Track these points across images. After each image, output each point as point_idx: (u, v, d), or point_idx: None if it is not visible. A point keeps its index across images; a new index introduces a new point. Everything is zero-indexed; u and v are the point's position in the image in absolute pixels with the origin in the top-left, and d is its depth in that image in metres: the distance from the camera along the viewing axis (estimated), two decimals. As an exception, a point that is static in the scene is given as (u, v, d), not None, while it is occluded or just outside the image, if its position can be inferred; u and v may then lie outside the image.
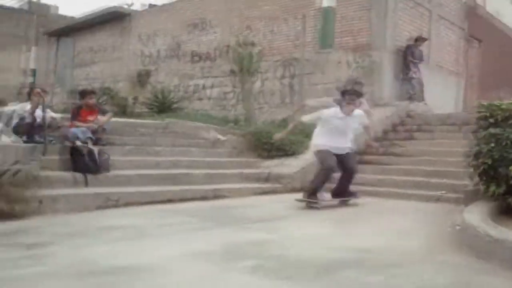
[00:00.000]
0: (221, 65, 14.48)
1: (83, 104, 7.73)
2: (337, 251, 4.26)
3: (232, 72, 13.08)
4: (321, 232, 5.19)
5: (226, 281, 3.37)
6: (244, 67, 11.79)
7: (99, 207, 6.12)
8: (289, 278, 3.42)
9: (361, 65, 11.69)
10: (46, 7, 33.97)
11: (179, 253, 4.07)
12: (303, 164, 8.58)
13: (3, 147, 5.63)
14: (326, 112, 6.96)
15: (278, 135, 7.78)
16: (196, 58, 15.54)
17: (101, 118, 7.60)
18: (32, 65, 22.15)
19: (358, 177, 8.63)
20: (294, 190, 7.99)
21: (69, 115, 7.81)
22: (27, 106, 7.42)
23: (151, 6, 19.67)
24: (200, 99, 15.04)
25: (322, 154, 6.88)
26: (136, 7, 20.68)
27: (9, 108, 7.72)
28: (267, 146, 9.15)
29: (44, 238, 4.53)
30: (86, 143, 6.95)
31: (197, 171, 7.55)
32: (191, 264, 3.78)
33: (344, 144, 6.95)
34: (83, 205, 5.99)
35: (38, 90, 7.62)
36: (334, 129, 6.87)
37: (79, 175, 6.59)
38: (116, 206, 6.26)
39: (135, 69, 17.58)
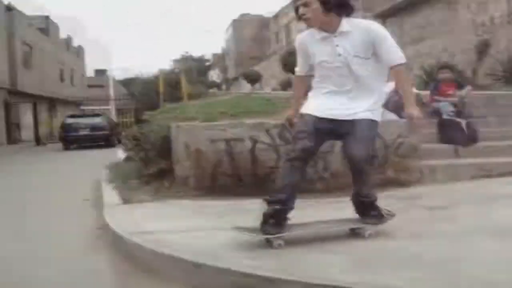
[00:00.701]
0: None
1: (441, 79, 8.02)
2: None
3: None
4: None
5: None
6: None
7: (473, 177, 6.32)
8: None
9: None
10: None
11: None
12: None
13: (388, 122, 6.30)
14: (300, 38, 3.81)
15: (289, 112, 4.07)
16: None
17: (460, 92, 7.77)
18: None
19: None
20: None
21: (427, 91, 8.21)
22: (392, 85, 8.04)
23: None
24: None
25: (298, 125, 3.79)
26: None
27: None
28: None
29: (439, 203, 4.96)
30: (450, 116, 7.22)
31: None
32: None
33: (348, 102, 3.63)
34: (457, 175, 6.30)
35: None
36: (326, 72, 3.68)
37: (448, 147, 6.92)
38: (489, 176, 6.36)
39: (468, 41, 17.13)
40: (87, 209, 6.25)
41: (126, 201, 5.77)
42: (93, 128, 22.66)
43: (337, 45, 3.56)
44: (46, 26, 37.43)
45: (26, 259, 4.11)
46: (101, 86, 47.62)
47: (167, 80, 24.32)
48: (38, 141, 29.37)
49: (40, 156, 19.67)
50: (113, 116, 33.64)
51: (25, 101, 30.95)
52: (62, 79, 39.91)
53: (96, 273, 3.69)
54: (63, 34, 42.57)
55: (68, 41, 44.08)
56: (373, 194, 3.84)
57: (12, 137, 28.44)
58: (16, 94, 28.55)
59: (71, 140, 22.80)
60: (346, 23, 3.55)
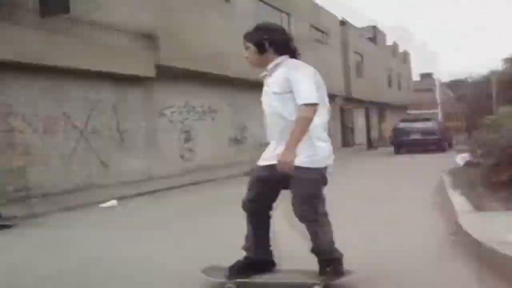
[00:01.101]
0: None
1: None
2: None
3: None
4: None
5: None
6: None
7: None
8: None
9: None
10: None
11: None
12: None
13: None
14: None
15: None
16: None
17: None
18: None
19: None
20: None
21: None
22: None
23: None
24: None
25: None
26: None
27: None
28: None
29: None
30: None
31: None
32: None
33: (277, 147, 3.41)
34: None
35: None
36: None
37: None
38: None
39: None
40: (432, 213, 6.49)
41: (478, 208, 5.77)
42: (424, 132, 22.53)
43: (267, 85, 3.54)
44: (373, 35, 39.16)
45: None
46: (427, 90, 47.52)
47: (500, 81, 23.16)
48: (369, 144, 31.05)
49: (374, 158, 20.85)
50: (440, 120, 33.34)
51: (358, 107, 32.97)
52: (390, 85, 41.19)
53: (456, 283, 3.65)
54: (389, 42, 43.88)
55: (394, 47, 45.24)
56: (334, 252, 3.47)
57: (346, 141, 30.65)
58: (350, 100, 30.67)
59: (403, 144, 23.14)
60: (276, 61, 3.47)
